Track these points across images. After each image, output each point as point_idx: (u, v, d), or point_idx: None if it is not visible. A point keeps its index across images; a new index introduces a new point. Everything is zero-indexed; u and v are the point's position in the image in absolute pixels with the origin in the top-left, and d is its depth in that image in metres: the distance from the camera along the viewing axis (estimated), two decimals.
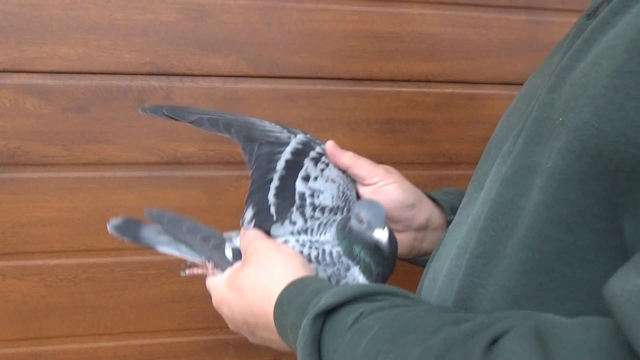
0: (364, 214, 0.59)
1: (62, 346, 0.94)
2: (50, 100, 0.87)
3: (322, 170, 0.68)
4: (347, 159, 0.68)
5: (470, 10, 0.98)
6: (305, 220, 0.65)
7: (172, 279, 0.96)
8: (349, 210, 0.67)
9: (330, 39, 0.94)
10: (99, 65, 0.88)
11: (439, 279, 0.55)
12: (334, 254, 0.62)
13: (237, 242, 0.64)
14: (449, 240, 0.58)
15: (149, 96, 0.90)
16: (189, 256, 0.66)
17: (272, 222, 0.65)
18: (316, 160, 0.69)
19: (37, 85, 0.86)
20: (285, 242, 0.63)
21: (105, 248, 0.93)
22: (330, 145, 0.69)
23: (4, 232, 0.89)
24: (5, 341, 0.92)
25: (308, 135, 0.72)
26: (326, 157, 0.69)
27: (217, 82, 0.91)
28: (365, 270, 0.62)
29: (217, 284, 0.62)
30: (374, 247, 0.61)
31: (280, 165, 0.68)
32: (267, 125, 0.71)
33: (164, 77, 0.90)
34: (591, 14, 0.50)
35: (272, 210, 0.66)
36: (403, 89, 0.98)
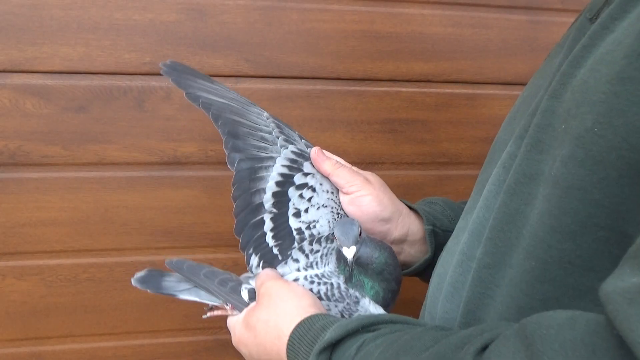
0: (336, 232, 0.61)
1: (62, 346, 0.94)
2: (50, 100, 0.87)
3: (310, 199, 0.68)
4: (328, 166, 0.68)
5: (470, 10, 0.98)
6: (307, 256, 0.65)
7: None
8: None
9: (330, 39, 0.94)
10: (99, 65, 0.88)
11: (443, 287, 0.56)
12: (342, 287, 0.63)
13: (253, 283, 0.66)
14: (452, 245, 0.58)
15: (149, 96, 0.90)
16: (209, 300, 0.69)
17: (278, 262, 0.66)
18: (301, 188, 0.68)
19: (37, 85, 0.86)
20: (296, 279, 0.64)
21: (105, 248, 0.93)
22: (313, 152, 0.69)
23: (4, 232, 0.89)
24: (5, 341, 0.92)
25: (296, 140, 0.70)
26: (312, 177, 0.69)
27: None
28: (374, 295, 0.62)
29: (235, 324, 0.64)
30: (369, 267, 0.62)
31: (268, 201, 0.68)
32: (259, 120, 0.70)
33: (164, 77, 0.90)
34: (593, 18, 0.50)
35: (275, 251, 0.67)
36: (403, 89, 0.98)
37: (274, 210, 0.68)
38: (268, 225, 0.67)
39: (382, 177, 0.97)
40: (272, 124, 0.71)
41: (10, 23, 0.84)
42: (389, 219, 0.68)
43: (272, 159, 0.69)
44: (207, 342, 0.99)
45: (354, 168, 0.71)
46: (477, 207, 0.54)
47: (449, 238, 0.71)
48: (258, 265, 0.67)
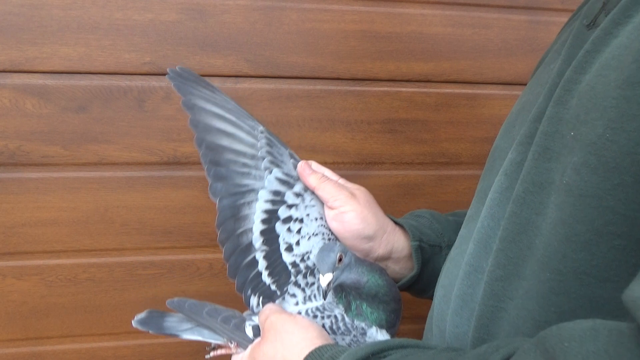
0: (315, 260, 0.59)
1: (62, 346, 0.94)
2: (50, 100, 0.87)
3: (299, 230, 0.66)
4: (313, 180, 0.67)
5: (470, 10, 0.98)
6: (303, 290, 0.65)
7: (172, 279, 0.96)
8: None
9: (330, 39, 0.94)
10: (99, 65, 0.88)
11: (451, 300, 0.55)
12: (346, 319, 0.62)
13: (256, 319, 0.65)
14: (456, 255, 0.57)
15: (149, 96, 0.90)
16: (212, 339, 0.68)
17: (277, 298, 0.65)
18: (287, 221, 0.66)
19: (37, 85, 0.86)
20: (298, 313, 0.63)
21: (106, 248, 0.93)
22: (300, 166, 0.68)
23: (4, 232, 0.89)
24: (5, 341, 0.92)
25: (284, 161, 0.68)
26: (296, 209, 0.67)
27: (217, 82, 0.91)
28: (376, 319, 0.62)
29: None
30: (362, 292, 0.61)
31: (257, 240, 0.66)
32: (247, 140, 0.67)
33: (164, 77, 0.89)
34: (590, 24, 0.50)
35: (273, 287, 0.65)
36: (403, 89, 0.98)
37: (265, 247, 0.66)
38: (262, 264, 0.66)
39: (382, 177, 0.97)
40: (263, 141, 0.68)
41: (10, 23, 0.84)
42: (372, 237, 0.67)
43: (255, 191, 0.66)
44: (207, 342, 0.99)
45: (341, 181, 0.70)
46: (481, 216, 0.53)
47: (436, 252, 0.70)
48: (258, 304, 0.65)
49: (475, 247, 0.52)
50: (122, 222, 0.92)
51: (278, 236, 0.66)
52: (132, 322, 0.67)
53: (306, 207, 0.67)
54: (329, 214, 0.67)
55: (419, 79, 0.98)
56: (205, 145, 0.66)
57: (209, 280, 0.97)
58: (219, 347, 0.68)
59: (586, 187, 0.41)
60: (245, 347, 0.64)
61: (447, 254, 0.70)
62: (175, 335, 0.68)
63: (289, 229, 0.66)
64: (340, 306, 0.63)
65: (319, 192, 0.67)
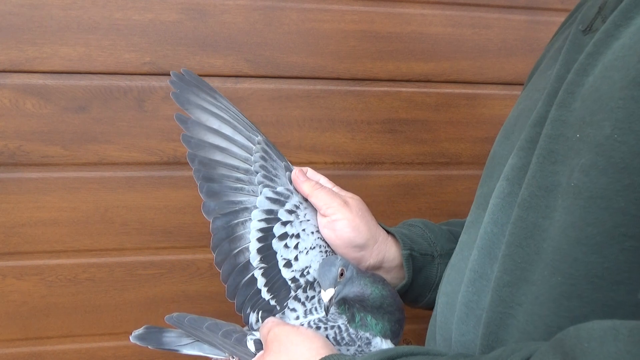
0: (316, 275, 0.59)
1: (62, 346, 0.94)
2: (50, 100, 0.87)
3: (297, 245, 0.66)
4: (307, 188, 0.67)
5: (470, 10, 0.98)
6: (304, 304, 0.64)
7: (172, 279, 0.96)
8: None
9: (330, 39, 0.94)
10: (99, 65, 0.88)
11: (455, 307, 0.54)
12: (350, 330, 0.61)
13: (257, 334, 0.65)
14: (458, 261, 0.57)
15: (149, 96, 0.90)
16: (213, 354, 0.67)
17: (277, 313, 0.65)
18: (283, 238, 0.66)
19: (37, 85, 0.86)
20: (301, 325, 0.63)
21: (106, 248, 0.93)
22: (293, 174, 0.68)
23: (4, 232, 0.89)
24: (5, 341, 0.92)
25: (279, 175, 0.67)
26: (291, 225, 0.67)
27: (217, 82, 0.91)
28: (381, 330, 0.61)
29: None
30: (366, 304, 0.61)
31: (255, 258, 0.66)
32: (241, 154, 0.67)
33: (164, 77, 0.90)
34: (587, 30, 0.50)
35: (273, 302, 0.65)
36: (403, 89, 0.98)
37: (263, 265, 0.66)
38: (261, 281, 0.65)
39: (382, 177, 0.97)
40: (258, 154, 0.67)
41: (10, 23, 0.84)
42: (363, 246, 0.67)
43: (248, 210, 0.66)
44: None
45: (335, 189, 0.70)
46: (484, 222, 0.52)
47: (428, 262, 0.69)
48: (257, 320, 0.65)
49: (479, 253, 0.52)
50: (122, 222, 0.92)
51: (275, 253, 0.66)
52: (130, 337, 0.67)
53: (301, 222, 0.67)
54: (321, 221, 0.67)
55: (419, 79, 0.98)
56: (198, 160, 0.65)
57: (209, 280, 0.97)
58: None
59: (595, 189, 0.41)
60: None
61: (440, 263, 0.70)
62: (175, 351, 0.67)
63: (285, 245, 0.66)
64: (344, 316, 0.62)
65: (312, 200, 0.67)
